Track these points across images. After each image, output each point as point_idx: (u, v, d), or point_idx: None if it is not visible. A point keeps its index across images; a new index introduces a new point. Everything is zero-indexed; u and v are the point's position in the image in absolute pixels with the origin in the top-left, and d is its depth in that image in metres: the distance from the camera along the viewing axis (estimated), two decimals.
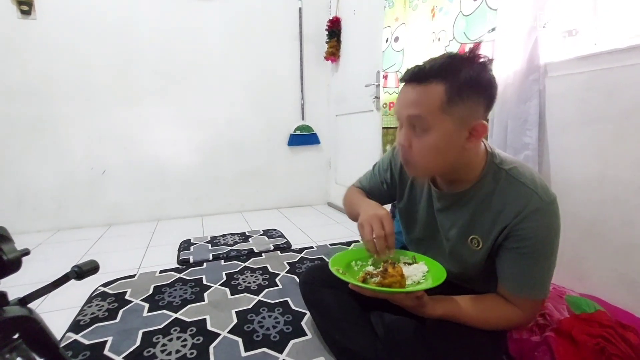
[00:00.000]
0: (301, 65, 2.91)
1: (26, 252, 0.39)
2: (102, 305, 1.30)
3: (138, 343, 1.06)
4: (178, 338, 1.08)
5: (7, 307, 0.36)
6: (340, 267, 0.80)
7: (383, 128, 2.19)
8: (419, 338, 0.75)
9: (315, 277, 1.06)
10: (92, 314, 1.24)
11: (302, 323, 1.15)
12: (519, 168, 0.72)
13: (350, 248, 0.87)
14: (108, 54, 2.34)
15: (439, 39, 1.61)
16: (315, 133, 3.03)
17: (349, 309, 0.91)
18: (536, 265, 0.69)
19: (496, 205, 0.70)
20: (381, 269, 0.73)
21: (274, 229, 2.30)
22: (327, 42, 2.80)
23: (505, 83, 1.22)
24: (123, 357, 0.99)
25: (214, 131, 2.71)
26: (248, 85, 2.77)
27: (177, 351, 1.02)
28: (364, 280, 0.73)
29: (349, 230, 2.33)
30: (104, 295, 1.38)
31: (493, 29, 1.30)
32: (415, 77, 0.67)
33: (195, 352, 1.01)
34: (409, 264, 0.81)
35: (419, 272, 0.76)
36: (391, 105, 2.11)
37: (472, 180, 0.73)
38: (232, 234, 2.19)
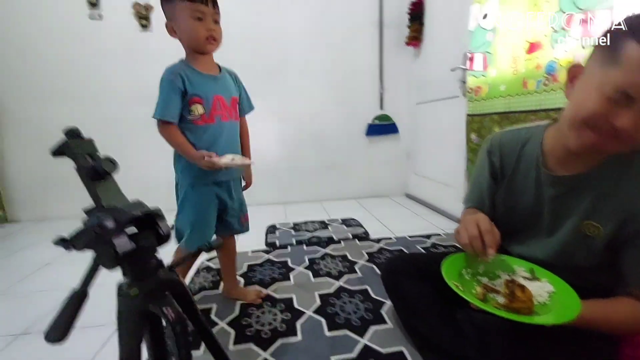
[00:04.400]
0: (380, 53, 2.86)
1: (173, 227, 0.49)
2: (208, 277, 1.51)
3: (237, 312, 1.22)
4: (269, 312, 1.21)
5: (162, 270, 0.46)
6: (454, 278, 0.71)
7: (468, 115, 2.04)
8: (517, 341, 0.70)
9: (398, 267, 1.06)
10: (200, 283, 1.45)
11: (382, 312, 1.18)
12: None
13: (453, 254, 0.81)
14: None
15: (540, 11, 1.42)
16: (393, 122, 2.97)
17: (433, 302, 0.90)
18: None
19: (625, 189, 0.64)
20: (505, 289, 0.66)
21: (353, 219, 2.35)
22: (408, 27, 2.69)
23: None
24: (226, 323, 1.15)
25: (297, 124, 2.86)
26: (327, 79, 2.83)
27: (270, 323, 1.14)
28: (484, 297, 0.68)
29: (428, 223, 2.25)
30: (208, 269, 1.60)
31: None
32: None
33: (285, 326, 1.12)
34: (528, 279, 0.73)
35: (543, 292, 0.67)
36: (477, 90, 1.95)
37: (596, 161, 0.68)
38: (313, 222, 2.31)
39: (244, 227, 1.27)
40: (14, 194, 2.62)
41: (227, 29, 2.57)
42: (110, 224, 0.38)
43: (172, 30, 1.08)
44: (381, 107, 2.95)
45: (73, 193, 2.66)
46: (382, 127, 2.95)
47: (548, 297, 0.66)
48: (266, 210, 2.73)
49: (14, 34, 2.42)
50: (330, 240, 1.92)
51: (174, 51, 2.53)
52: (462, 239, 0.73)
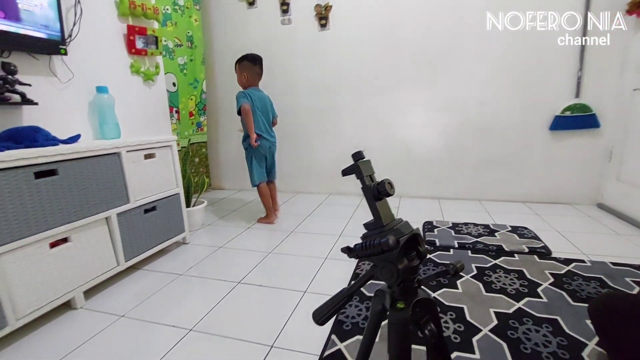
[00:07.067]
0: (584, 26, 2.29)
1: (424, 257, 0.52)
2: None
3: None
4: (440, 318, 1.20)
5: (420, 288, 0.51)
6: None
7: None
8: None
9: (620, 309, 0.87)
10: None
11: (584, 355, 1.00)
12: None
13: None
14: (377, 50, 2.71)
15: None
16: (593, 114, 2.37)
17: None
18: None
19: None
20: None
21: (525, 227, 2.04)
22: None
23: None
24: None
25: (461, 113, 2.64)
26: (506, 61, 2.47)
27: (443, 331, 1.13)
28: None
29: (638, 247, 1.75)
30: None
31: None
32: None
33: (459, 338, 1.09)
34: None
35: None
36: None
37: None
38: (475, 224, 2.13)
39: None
40: (221, 168, 3.41)
41: (400, 21, 2.57)
42: (393, 243, 0.43)
43: None
44: (577, 94, 2.39)
45: None
46: (576, 120, 2.40)
47: None
48: (420, 204, 2.68)
49: (231, 44, 3.07)
50: (500, 251, 1.73)
51: (346, 44, 2.73)
52: None
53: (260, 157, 2.24)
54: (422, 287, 0.51)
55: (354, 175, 0.56)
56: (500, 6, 2.41)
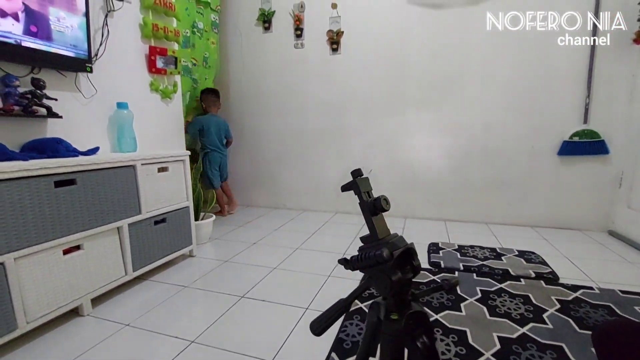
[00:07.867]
0: (592, 53, 2.33)
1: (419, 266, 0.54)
2: None
3: None
4: (442, 340, 1.19)
5: (414, 302, 0.53)
6: None
7: None
8: None
9: (622, 335, 0.86)
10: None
11: None
12: None
13: None
14: (385, 73, 2.79)
15: None
16: (602, 140, 2.37)
17: None
18: None
19: None
20: None
21: (532, 252, 2.02)
22: None
23: None
24: None
25: (467, 137, 2.67)
26: (512, 86, 2.52)
27: (443, 353, 1.12)
28: None
29: None
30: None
31: None
32: None
33: None
34: None
35: None
36: None
37: None
38: (481, 247, 2.11)
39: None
40: (229, 184, 3.46)
41: (407, 47, 2.66)
42: (387, 255, 0.46)
43: None
44: (585, 120, 2.40)
45: (265, 188, 3.33)
46: (584, 146, 2.40)
47: None
48: (425, 225, 2.67)
49: (247, 66, 3.20)
50: (506, 275, 1.72)
51: (356, 67, 2.82)
52: None
53: (214, 166, 2.89)
54: (418, 302, 0.53)
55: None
56: (506, 34, 2.48)
